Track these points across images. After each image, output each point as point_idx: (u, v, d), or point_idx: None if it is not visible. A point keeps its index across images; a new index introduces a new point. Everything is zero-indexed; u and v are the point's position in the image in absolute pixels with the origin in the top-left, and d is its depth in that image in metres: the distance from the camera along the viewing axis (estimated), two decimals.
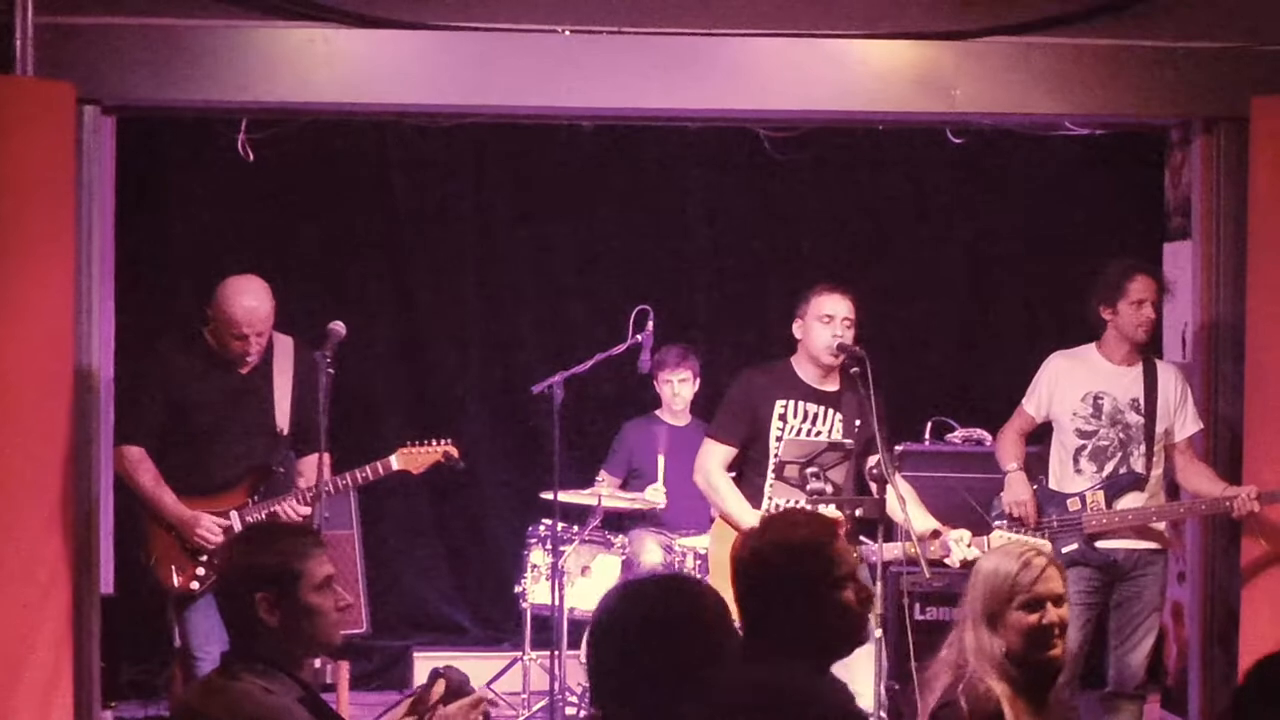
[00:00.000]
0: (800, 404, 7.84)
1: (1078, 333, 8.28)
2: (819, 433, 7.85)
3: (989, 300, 11.02)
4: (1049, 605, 5.17)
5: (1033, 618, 5.15)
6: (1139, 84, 8.44)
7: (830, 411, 7.86)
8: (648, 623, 3.95)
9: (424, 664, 9.82)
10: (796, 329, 7.90)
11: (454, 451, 8.15)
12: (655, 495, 9.47)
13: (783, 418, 7.83)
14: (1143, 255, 8.74)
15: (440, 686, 4.63)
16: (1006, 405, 8.39)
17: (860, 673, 6.62)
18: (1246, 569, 8.26)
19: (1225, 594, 8.48)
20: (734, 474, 7.98)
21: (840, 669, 7.69)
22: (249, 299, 7.74)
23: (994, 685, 5.09)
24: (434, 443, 8.11)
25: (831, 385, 7.90)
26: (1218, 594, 8.56)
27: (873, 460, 7.60)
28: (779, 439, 7.83)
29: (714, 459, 7.92)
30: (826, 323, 7.78)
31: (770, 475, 7.83)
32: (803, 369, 7.89)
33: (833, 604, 4.60)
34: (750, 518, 7.76)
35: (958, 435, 9.84)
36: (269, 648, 4.70)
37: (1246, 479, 8.09)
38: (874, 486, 7.53)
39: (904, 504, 7.45)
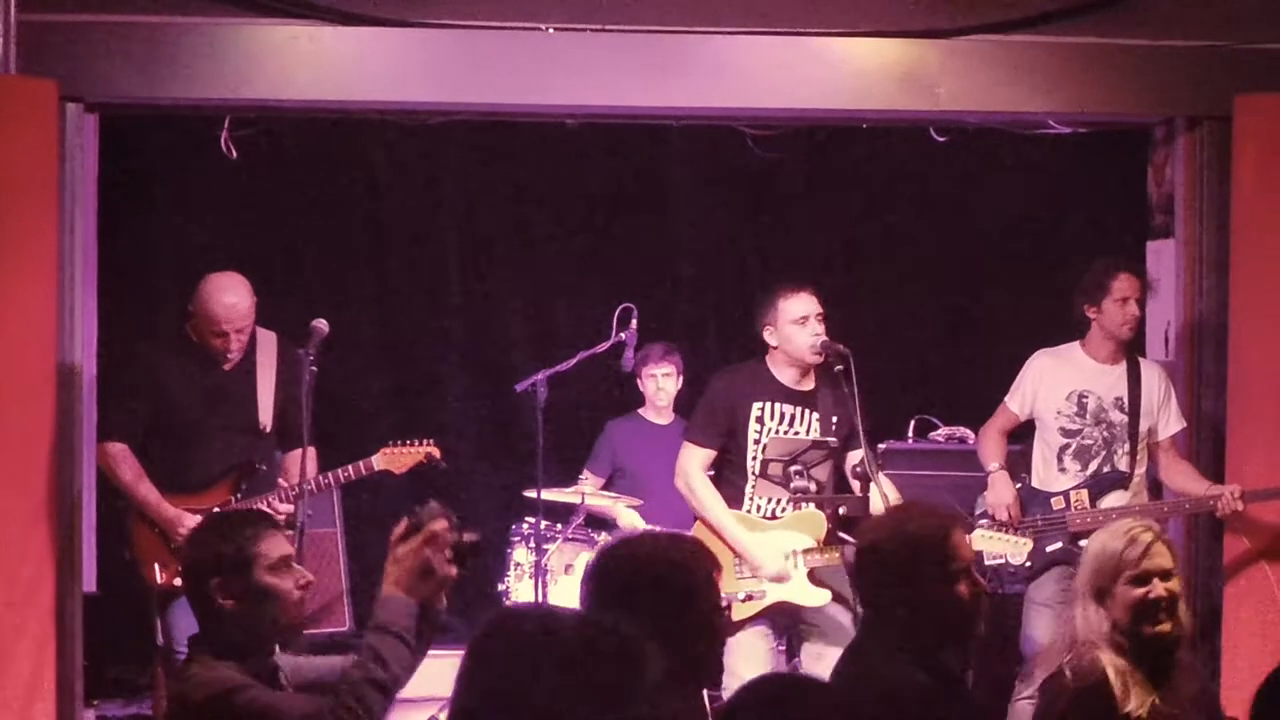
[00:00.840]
0: (777, 405, 7.85)
1: (1062, 331, 8.29)
2: (796, 433, 7.85)
3: (973, 298, 11.02)
4: (1155, 580, 5.22)
5: (1139, 592, 5.22)
6: (1122, 82, 8.45)
7: (807, 411, 7.87)
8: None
9: None
10: (768, 336, 7.89)
11: (436, 452, 8.14)
12: (630, 516, 9.47)
13: (760, 419, 7.83)
14: (1126, 253, 8.75)
15: (402, 527, 4.41)
16: (990, 403, 8.40)
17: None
18: (1229, 566, 8.28)
19: (1208, 591, 8.48)
20: (711, 474, 8.00)
21: (816, 662, 7.74)
22: (229, 295, 7.75)
23: (1102, 656, 5.17)
24: (416, 443, 8.10)
25: (807, 385, 7.90)
26: (1200, 591, 8.56)
27: (855, 458, 7.61)
28: (756, 440, 7.83)
29: (694, 463, 7.93)
30: (802, 324, 7.78)
31: (752, 475, 7.84)
32: (779, 370, 7.89)
33: (945, 597, 4.70)
34: (731, 521, 7.78)
35: (941, 433, 9.85)
36: (231, 633, 4.74)
37: (1229, 476, 8.11)
38: (856, 484, 7.55)
39: (887, 502, 7.45)
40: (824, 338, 7.74)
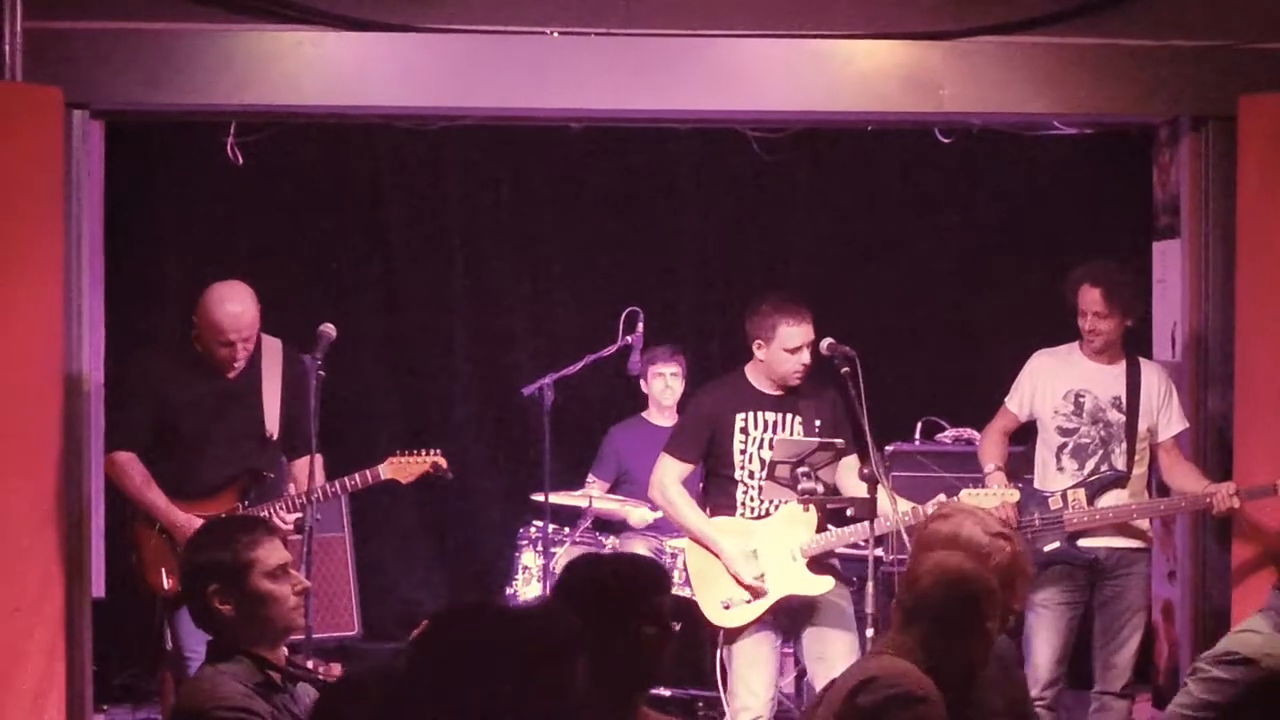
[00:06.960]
0: (759, 414, 7.89)
1: (1068, 332, 8.28)
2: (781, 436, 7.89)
3: (979, 300, 11.02)
4: None
5: None
6: (1127, 83, 8.44)
7: (789, 416, 7.89)
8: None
9: None
10: (758, 350, 7.90)
11: (442, 462, 8.13)
12: (641, 513, 9.49)
13: (744, 429, 7.87)
14: (1132, 254, 8.75)
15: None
16: (997, 405, 8.39)
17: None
18: (1237, 569, 8.27)
19: (1216, 593, 8.48)
20: (703, 484, 8.05)
21: (823, 665, 7.73)
22: (233, 305, 7.72)
23: None
24: (423, 453, 8.10)
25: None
26: (1208, 593, 8.56)
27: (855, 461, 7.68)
28: (743, 450, 7.87)
29: (670, 474, 7.98)
30: (794, 353, 7.80)
31: (741, 483, 7.85)
32: (759, 381, 7.92)
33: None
34: (709, 529, 7.81)
35: (948, 435, 9.85)
36: (231, 637, 4.77)
37: (1237, 477, 8.09)
38: (864, 487, 7.55)
39: (895, 504, 7.45)
40: (808, 364, 7.78)
